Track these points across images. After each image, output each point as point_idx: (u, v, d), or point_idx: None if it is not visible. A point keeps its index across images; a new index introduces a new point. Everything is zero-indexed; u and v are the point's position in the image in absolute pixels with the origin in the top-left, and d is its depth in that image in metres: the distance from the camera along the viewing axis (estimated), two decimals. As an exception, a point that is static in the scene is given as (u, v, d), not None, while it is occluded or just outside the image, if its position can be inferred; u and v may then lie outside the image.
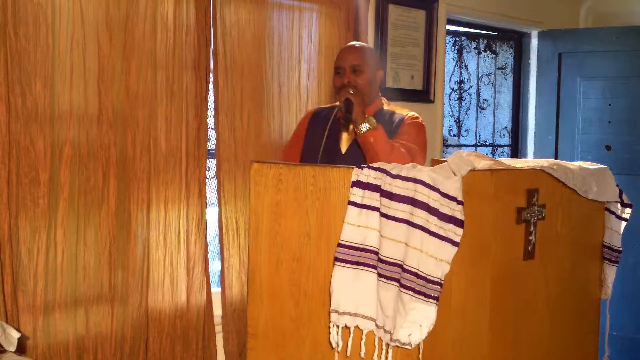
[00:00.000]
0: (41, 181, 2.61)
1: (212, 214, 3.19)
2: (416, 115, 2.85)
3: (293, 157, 2.94)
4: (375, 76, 2.85)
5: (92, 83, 2.74)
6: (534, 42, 4.97)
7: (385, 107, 2.87)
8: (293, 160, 2.92)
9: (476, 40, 4.88)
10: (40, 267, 2.63)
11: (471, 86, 4.89)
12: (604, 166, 2.53)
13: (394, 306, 1.78)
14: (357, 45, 2.91)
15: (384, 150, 2.57)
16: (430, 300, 1.76)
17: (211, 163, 3.19)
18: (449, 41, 4.68)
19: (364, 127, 2.59)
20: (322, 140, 2.81)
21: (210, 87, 3.13)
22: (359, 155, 2.66)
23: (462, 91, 4.84)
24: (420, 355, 1.78)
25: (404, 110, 2.87)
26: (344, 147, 2.82)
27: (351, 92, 2.66)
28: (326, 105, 3.12)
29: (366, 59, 2.82)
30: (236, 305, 3.21)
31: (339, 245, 1.85)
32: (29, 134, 2.59)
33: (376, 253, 1.82)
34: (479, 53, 4.90)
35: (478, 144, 4.95)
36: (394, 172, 1.83)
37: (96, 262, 2.78)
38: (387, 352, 1.82)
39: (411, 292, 1.76)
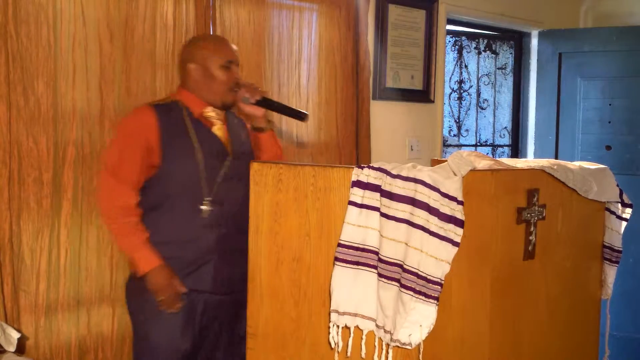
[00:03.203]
0: (44, 181, 2.61)
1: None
2: None
3: (139, 170, 2.43)
4: None
5: (94, 83, 2.74)
6: (534, 42, 4.97)
7: None
8: (142, 174, 2.44)
9: (476, 40, 4.87)
10: (43, 267, 2.63)
11: (471, 86, 4.89)
12: (604, 166, 2.53)
13: (394, 306, 1.78)
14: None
15: (279, 148, 2.69)
16: (431, 300, 1.76)
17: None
18: (449, 41, 4.68)
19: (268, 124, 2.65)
20: (194, 141, 2.47)
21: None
22: (249, 154, 2.60)
23: (462, 91, 4.84)
24: (420, 355, 1.78)
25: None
26: (227, 145, 2.56)
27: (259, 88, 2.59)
28: (158, 104, 2.55)
29: None
30: (236, 305, 3.20)
31: (339, 245, 1.85)
32: (32, 134, 2.59)
33: (376, 253, 1.82)
34: (479, 53, 4.90)
35: (478, 144, 4.95)
36: (394, 172, 1.83)
37: (98, 263, 2.78)
38: (387, 352, 1.82)
39: (411, 292, 1.75)
